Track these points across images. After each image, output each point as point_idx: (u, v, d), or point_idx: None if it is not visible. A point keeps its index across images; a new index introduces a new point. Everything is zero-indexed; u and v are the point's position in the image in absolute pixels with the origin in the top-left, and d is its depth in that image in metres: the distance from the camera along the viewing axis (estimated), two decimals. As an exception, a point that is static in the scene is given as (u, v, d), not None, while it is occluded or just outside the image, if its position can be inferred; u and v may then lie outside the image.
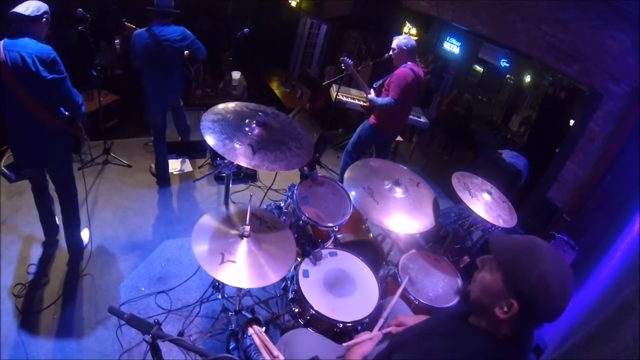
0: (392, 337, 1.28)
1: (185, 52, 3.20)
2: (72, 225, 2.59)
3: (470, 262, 2.65)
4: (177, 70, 3.27)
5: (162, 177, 3.68)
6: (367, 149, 3.90)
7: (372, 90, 3.46)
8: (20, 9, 1.95)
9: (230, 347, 2.04)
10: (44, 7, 2.03)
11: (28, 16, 1.96)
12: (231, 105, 2.18)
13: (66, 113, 2.24)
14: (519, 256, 0.98)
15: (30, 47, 1.97)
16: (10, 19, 1.96)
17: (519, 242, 1.02)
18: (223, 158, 1.92)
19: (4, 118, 2.14)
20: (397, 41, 3.32)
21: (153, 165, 3.71)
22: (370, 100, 3.42)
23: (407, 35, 3.47)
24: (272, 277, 1.66)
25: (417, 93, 3.50)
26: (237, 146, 1.89)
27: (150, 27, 3.00)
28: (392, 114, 3.43)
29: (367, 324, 1.80)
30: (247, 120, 2.06)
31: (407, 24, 5.97)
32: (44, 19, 2.04)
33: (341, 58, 3.54)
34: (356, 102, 4.98)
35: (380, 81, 3.46)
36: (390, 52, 3.36)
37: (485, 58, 6.16)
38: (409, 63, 3.29)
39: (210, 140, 1.87)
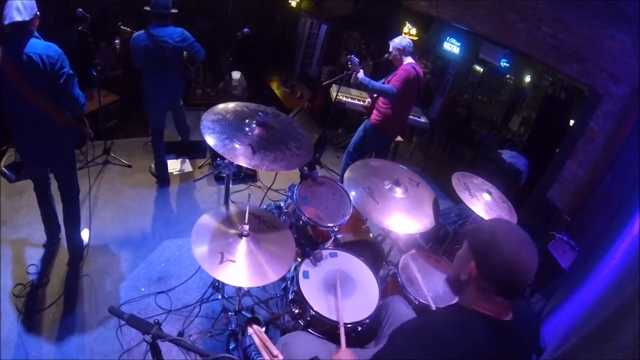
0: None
1: (185, 52, 3.20)
2: (73, 224, 2.59)
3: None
4: (177, 72, 3.26)
5: (162, 177, 3.67)
6: (369, 150, 3.88)
7: (362, 70, 3.37)
8: (15, 15, 1.89)
9: (230, 347, 2.04)
10: (32, 2, 1.97)
11: (27, 21, 1.93)
12: (231, 105, 2.18)
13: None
14: (481, 223, 1.15)
15: (36, 46, 1.96)
16: (10, 27, 1.92)
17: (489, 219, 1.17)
18: (223, 158, 1.92)
19: (9, 118, 2.14)
20: (392, 43, 3.40)
21: (153, 165, 3.71)
22: (361, 81, 3.31)
23: (402, 36, 3.51)
24: (272, 276, 1.65)
25: (417, 93, 3.51)
26: (237, 146, 1.89)
27: (149, 30, 2.97)
28: (394, 113, 3.43)
29: (367, 324, 1.80)
30: (247, 120, 2.06)
31: (407, 24, 5.98)
32: (36, 14, 2.00)
33: (348, 56, 3.53)
34: (356, 102, 4.98)
35: (382, 80, 3.47)
36: (388, 55, 3.43)
37: (485, 58, 6.16)
38: (410, 62, 3.34)
39: (210, 140, 1.87)
